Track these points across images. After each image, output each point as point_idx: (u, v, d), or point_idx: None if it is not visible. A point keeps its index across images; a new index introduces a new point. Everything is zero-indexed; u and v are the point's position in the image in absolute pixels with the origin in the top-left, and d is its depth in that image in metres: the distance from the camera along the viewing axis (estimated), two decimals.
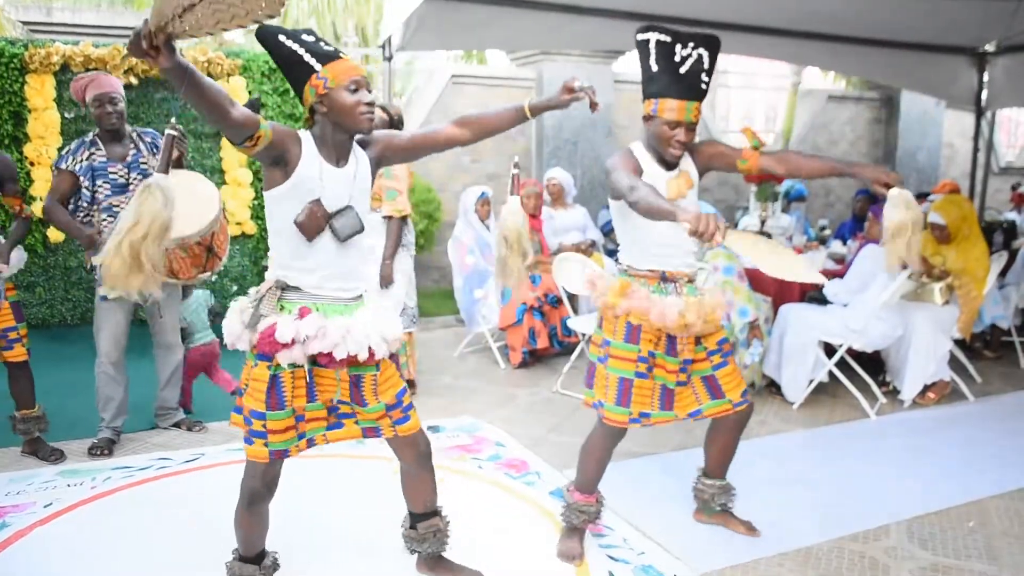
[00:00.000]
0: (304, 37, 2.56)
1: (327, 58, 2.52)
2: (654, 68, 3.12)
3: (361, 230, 2.70)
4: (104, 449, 4.34)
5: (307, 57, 2.49)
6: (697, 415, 3.37)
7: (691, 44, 3.09)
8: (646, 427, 3.38)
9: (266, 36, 2.50)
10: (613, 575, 3.19)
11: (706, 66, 3.12)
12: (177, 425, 4.80)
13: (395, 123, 5.25)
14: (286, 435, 2.67)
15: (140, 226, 2.57)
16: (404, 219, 5.26)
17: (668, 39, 3.11)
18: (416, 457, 2.91)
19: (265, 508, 2.83)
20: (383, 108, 5.32)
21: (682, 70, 3.08)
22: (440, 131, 2.87)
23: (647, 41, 3.13)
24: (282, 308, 2.63)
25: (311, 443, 2.79)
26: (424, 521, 3.05)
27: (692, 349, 3.29)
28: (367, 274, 4.86)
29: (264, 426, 2.63)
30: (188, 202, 4.17)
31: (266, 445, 2.65)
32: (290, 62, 2.53)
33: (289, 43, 2.50)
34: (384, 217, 5.19)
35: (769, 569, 3.29)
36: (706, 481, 3.62)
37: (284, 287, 2.65)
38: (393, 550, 3.26)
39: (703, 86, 3.14)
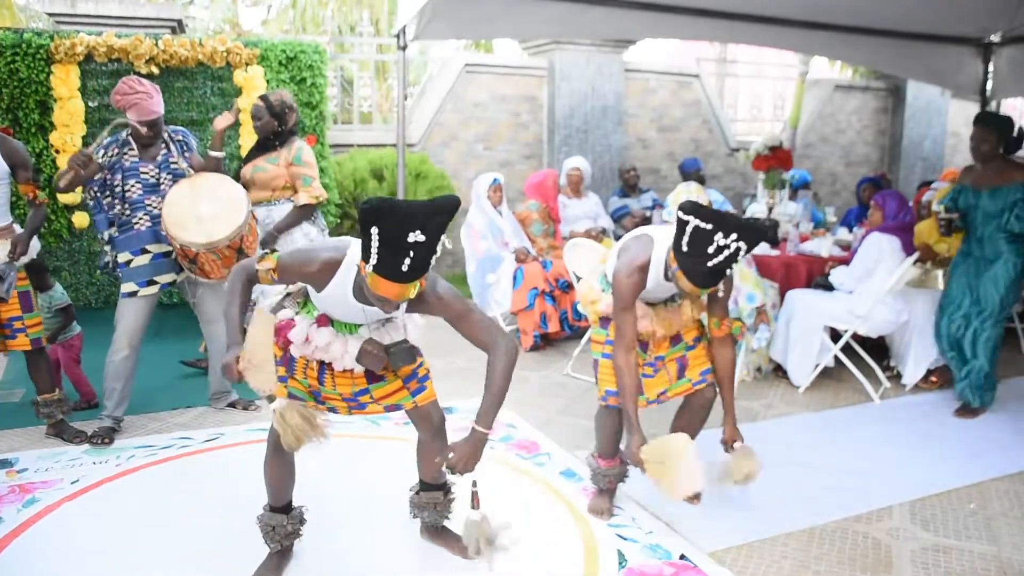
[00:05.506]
0: (390, 230, 2.41)
1: (381, 268, 2.42)
2: (684, 248, 2.97)
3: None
4: (104, 437, 4.33)
5: (373, 249, 2.41)
6: (663, 394, 3.54)
7: (734, 236, 2.90)
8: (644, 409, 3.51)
9: (365, 214, 2.41)
10: (622, 554, 3.24)
11: (740, 258, 2.97)
12: (232, 405, 4.90)
13: (275, 112, 4.85)
14: (303, 388, 2.96)
15: None
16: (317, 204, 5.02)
17: (709, 227, 2.91)
18: (430, 429, 3.09)
19: (290, 455, 3.00)
20: (262, 98, 4.93)
21: (711, 264, 2.93)
22: (479, 343, 2.91)
23: (686, 223, 2.96)
24: (307, 310, 2.86)
25: (333, 411, 3.03)
26: (428, 491, 3.22)
27: (666, 348, 3.49)
28: None
29: (286, 374, 2.94)
30: (217, 207, 4.26)
31: (286, 388, 2.93)
32: (365, 234, 2.45)
33: (371, 232, 2.40)
34: (300, 207, 4.95)
35: (774, 548, 3.34)
36: None
37: (307, 296, 2.88)
38: (401, 518, 3.39)
39: (725, 274, 3.03)
